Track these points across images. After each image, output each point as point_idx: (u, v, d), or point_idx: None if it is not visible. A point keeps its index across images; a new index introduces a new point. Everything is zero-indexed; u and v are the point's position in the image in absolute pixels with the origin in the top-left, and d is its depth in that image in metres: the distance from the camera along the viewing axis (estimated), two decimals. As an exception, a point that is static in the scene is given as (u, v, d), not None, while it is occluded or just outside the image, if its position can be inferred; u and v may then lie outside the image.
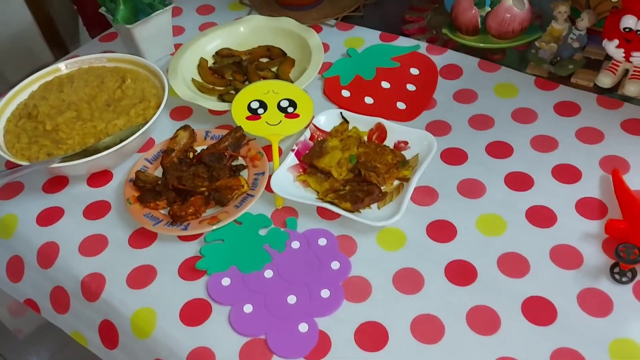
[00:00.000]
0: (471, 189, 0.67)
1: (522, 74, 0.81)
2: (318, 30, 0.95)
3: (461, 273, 0.60)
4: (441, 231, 0.64)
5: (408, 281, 0.60)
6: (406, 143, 0.72)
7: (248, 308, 0.58)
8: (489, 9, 0.85)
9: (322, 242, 0.64)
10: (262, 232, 0.66)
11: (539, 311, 0.56)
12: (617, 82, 0.76)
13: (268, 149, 0.73)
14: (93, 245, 0.67)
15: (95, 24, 1.25)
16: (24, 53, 1.53)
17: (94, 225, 0.69)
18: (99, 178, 0.74)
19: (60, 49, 1.53)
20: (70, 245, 0.67)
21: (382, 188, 0.68)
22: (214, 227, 0.64)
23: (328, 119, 0.76)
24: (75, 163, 0.67)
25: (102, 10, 0.88)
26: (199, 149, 0.75)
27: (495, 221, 0.64)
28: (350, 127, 0.75)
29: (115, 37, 1.00)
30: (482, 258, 0.61)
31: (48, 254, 0.67)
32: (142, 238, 0.67)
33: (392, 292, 0.59)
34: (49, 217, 0.71)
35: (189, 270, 0.63)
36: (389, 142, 0.73)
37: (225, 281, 0.61)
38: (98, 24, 1.06)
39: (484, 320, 0.55)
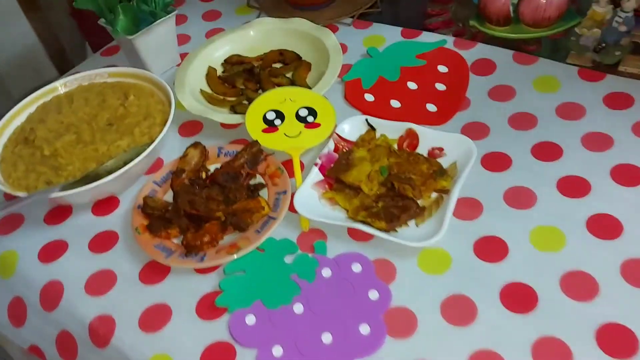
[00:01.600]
0: (520, 198, 0.60)
1: (563, 65, 0.73)
2: (334, 30, 0.87)
3: (519, 298, 0.52)
4: (490, 249, 0.56)
5: (458, 310, 0.52)
6: (441, 150, 0.64)
7: (278, 351, 0.51)
8: (521, -5, 0.77)
9: (357, 268, 0.57)
10: (288, 259, 0.59)
11: (617, 340, 0.48)
12: (673, 68, 0.68)
13: (288, 164, 0.66)
14: (100, 283, 0.60)
15: (97, 37, 1.19)
16: (30, 72, 1.49)
17: (100, 259, 0.62)
18: (105, 205, 0.68)
19: (66, 65, 1.49)
20: (75, 284, 0.60)
21: (418, 202, 0.60)
22: (234, 257, 0.57)
23: (353, 127, 0.68)
24: (76, 191, 0.61)
25: (102, 22, 0.82)
26: (212, 167, 0.68)
27: (552, 234, 0.56)
28: (377, 135, 0.68)
29: (118, 50, 0.94)
30: (542, 279, 0.53)
31: (52, 295, 0.60)
32: (153, 272, 0.60)
33: (442, 324, 0.51)
34: (51, 252, 0.64)
35: (208, 307, 0.56)
36: (422, 150, 0.65)
37: (250, 319, 0.54)
38: (100, 37, 1.00)
39: (553, 355, 0.48)
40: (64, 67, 1.47)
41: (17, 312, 0.62)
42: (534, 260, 0.54)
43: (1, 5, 1.33)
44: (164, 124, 0.68)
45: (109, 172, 0.62)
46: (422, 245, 0.55)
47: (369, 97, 0.75)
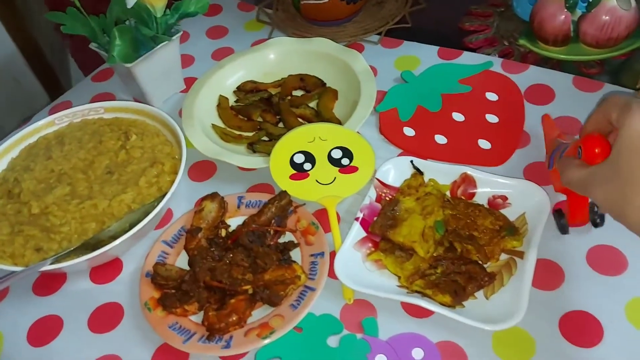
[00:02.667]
0: (608, 261, 0.50)
1: (634, 93, 0.64)
2: (359, 49, 0.77)
3: (623, 394, 0.42)
4: (580, 329, 0.46)
5: (550, 412, 0.42)
6: (505, 199, 0.55)
7: None
8: (581, 12, 0.67)
9: (418, 354, 0.47)
10: (332, 341, 0.48)
11: None
12: None
13: (321, 216, 0.56)
14: (105, 373, 0.49)
15: (85, 56, 1.07)
16: (10, 84, 1.38)
17: (103, 341, 0.52)
18: (106, 270, 0.57)
19: (50, 78, 1.38)
20: (74, 374, 0.50)
21: (485, 267, 0.50)
22: (267, 342, 0.47)
23: (396, 170, 0.58)
24: (73, 263, 0.50)
25: (94, 46, 0.71)
26: (231, 222, 0.58)
27: (654, 309, 0.47)
28: (425, 180, 0.58)
29: (111, 74, 0.83)
30: (646, 367, 0.43)
31: (45, 389, 0.50)
32: (170, 358, 0.49)
33: None
34: (43, 331, 0.53)
35: (239, 407, 0.45)
36: (481, 199, 0.55)
37: (292, 423, 0.44)
38: (89, 55, 0.89)
39: None
40: (47, 79, 1.37)
41: (4, 408, 0.52)
42: (634, 343, 0.45)
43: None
44: (175, 172, 0.58)
45: (113, 238, 0.51)
46: (499, 328, 0.45)
47: (409, 132, 0.65)
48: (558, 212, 0.51)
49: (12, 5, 1.29)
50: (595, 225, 0.51)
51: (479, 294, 0.49)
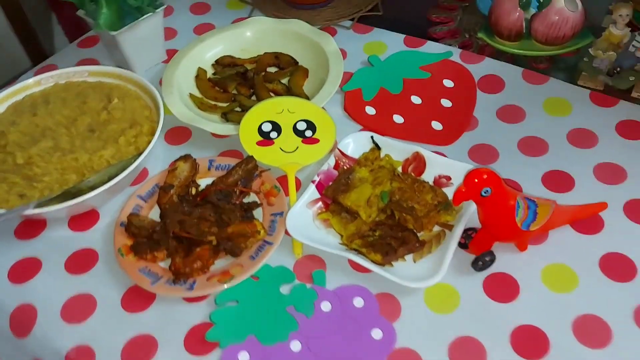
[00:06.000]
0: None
1: (575, 87, 0.70)
2: (332, 33, 0.83)
3: (530, 343, 0.49)
4: (501, 288, 0.53)
5: (467, 354, 0.49)
6: (448, 178, 0.61)
7: (274, 396, 0.47)
8: (534, 10, 0.73)
9: (359, 302, 0.53)
10: (285, 289, 0.55)
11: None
12: (688, 97, 0.66)
13: (285, 181, 0.62)
14: (78, 308, 0.55)
15: (72, 24, 1.11)
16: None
17: (78, 281, 0.57)
18: (83, 220, 0.62)
19: (33, 43, 1.39)
20: (50, 308, 0.55)
21: (419, 235, 0.57)
22: (226, 286, 0.53)
23: (356, 143, 0.64)
24: (53, 209, 0.55)
25: (81, 13, 0.75)
26: (202, 182, 0.63)
27: (565, 274, 0.54)
28: (382, 155, 0.64)
29: (97, 41, 0.87)
30: (554, 322, 0.50)
31: (23, 320, 0.55)
32: (138, 299, 0.55)
33: (450, 370, 0.48)
34: (23, 270, 0.59)
35: (198, 341, 0.51)
36: (428, 176, 0.61)
37: (243, 356, 0.50)
38: (75, 24, 0.92)
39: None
40: (31, 45, 1.38)
41: (-16, 337, 0.57)
42: (545, 302, 0.52)
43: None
44: (152, 133, 0.63)
45: (92, 188, 0.57)
46: (417, 286, 0.52)
47: (370, 110, 0.71)
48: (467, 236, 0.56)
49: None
50: (475, 268, 0.54)
51: (409, 257, 0.55)
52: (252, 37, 0.79)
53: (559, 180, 0.61)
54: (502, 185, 0.49)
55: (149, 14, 0.73)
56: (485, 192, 0.48)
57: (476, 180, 0.48)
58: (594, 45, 0.70)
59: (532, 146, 0.64)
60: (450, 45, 0.78)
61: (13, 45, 1.38)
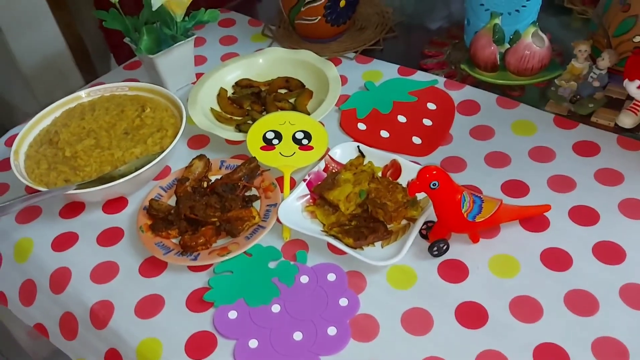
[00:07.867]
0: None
1: (541, 112, 0.80)
2: (337, 62, 0.95)
3: (472, 315, 0.58)
4: (453, 271, 0.62)
5: (417, 322, 0.58)
6: (419, 182, 0.71)
7: (253, 343, 0.58)
8: (508, 45, 0.84)
9: (331, 277, 0.63)
10: (272, 264, 0.65)
11: (550, 359, 0.54)
12: (638, 122, 0.75)
13: (281, 180, 0.73)
14: (104, 273, 0.67)
15: (122, 51, 1.28)
16: (56, 76, 1.58)
17: (106, 252, 0.69)
18: (114, 205, 0.75)
19: (90, 72, 1.58)
20: (82, 272, 0.67)
21: (389, 226, 0.67)
22: (224, 259, 0.64)
23: (344, 151, 0.76)
24: (90, 190, 0.68)
25: (127, 40, 0.90)
26: (213, 178, 0.76)
27: (509, 263, 0.62)
28: (365, 162, 0.75)
29: (139, 65, 1.02)
30: (494, 301, 0.59)
31: (60, 280, 0.67)
32: (152, 267, 0.67)
33: (400, 332, 0.58)
34: (63, 242, 0.71)
35: (197, 301, 0.62)
36: (403, 180, 0.72)
37: (232, 314, 0.61)
38: (125, 50, 1.09)
39: (493, 367, 0.54)
40: (88, 72, 1.57)
41: (28, 293, 0.70)
42: (489, 284, 0.61)
43: (33, 10, 1.43)
44: (175, 136, 0.75)
45: (122, 176, 0.70)
46: (379, 264, 0.62)
47: (362, 126, 0.82)
48: (428, 228, 0.66)
49: (63, 4, 1.49)
50: (431, 253, 0.64)
51: (378, 244, 0.66)
52: (266, 64, 0.93)
53: (516, 188, 0.70)
54: (449, 180, 0.59)
55: (181, 42, 0.88)
56: (433, 185, 0.58)
57: (427, 175, 0.58)
58: (560, 76, 0.80)
59: (497, 159, 0.74)
60: (437, 74, 0.89)
61: (75, 77, 1.57)
